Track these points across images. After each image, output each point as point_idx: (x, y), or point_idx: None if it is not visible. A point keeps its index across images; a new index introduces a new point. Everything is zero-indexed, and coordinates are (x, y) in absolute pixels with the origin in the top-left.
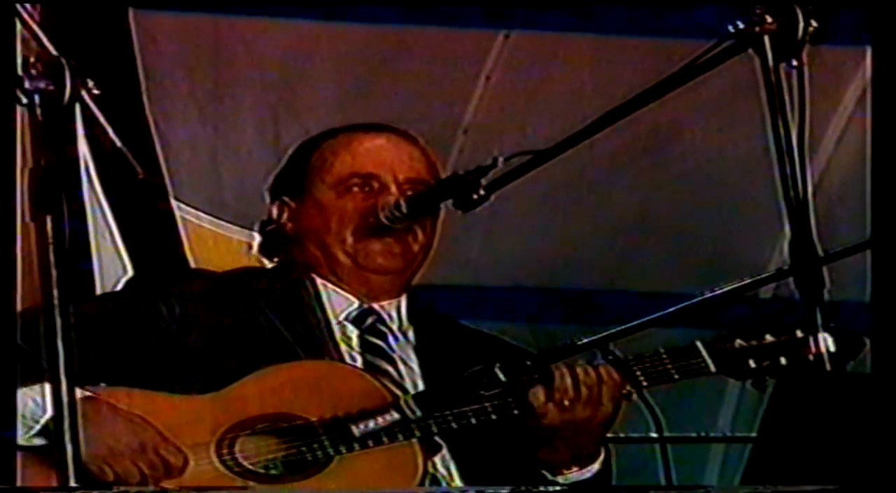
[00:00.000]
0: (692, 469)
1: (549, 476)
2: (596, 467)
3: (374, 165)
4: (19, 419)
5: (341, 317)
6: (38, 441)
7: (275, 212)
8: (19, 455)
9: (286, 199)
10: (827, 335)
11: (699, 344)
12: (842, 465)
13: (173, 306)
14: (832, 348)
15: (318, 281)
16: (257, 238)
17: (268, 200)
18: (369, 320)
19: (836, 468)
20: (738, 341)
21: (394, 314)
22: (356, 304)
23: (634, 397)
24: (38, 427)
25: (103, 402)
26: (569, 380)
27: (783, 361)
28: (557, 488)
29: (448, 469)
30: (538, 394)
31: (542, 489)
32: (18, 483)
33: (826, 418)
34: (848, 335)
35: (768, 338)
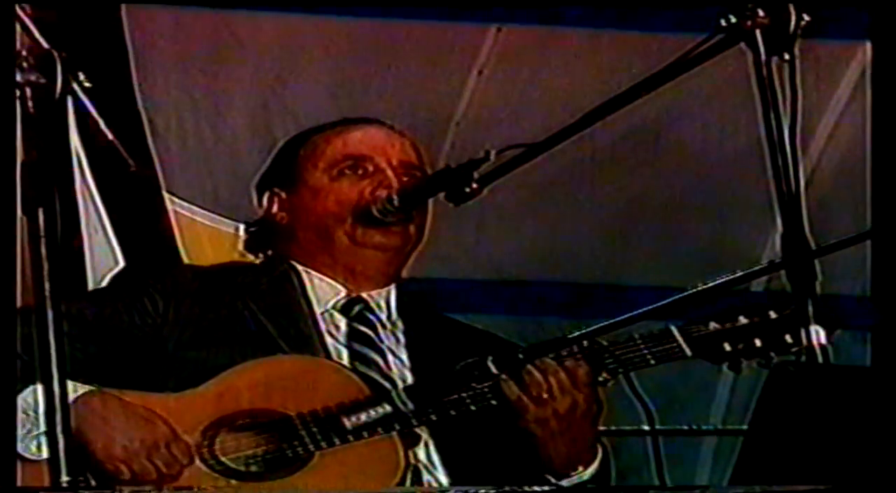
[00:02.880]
0: (684, 463)
1: (554, 481)
2: (595, 465)
3: (368, 149)
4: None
5: (328, 305)
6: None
7: (265, 204)
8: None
9: (276, 190)
10: (819, 328)
11: (673, 328)
12: (835, 461)
13: (157, 301)
14: (824, 341)
15: (304, 272)
16: (242, 236)
17: (255, 197)
18: (356, 309)
19: (829, 464)
20: (713, 324)
21: (382, 304)
22: (343, 292)
23: (628, 390)
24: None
25: (114, 398)
26: (537, 374)
27: (758, 343)
28: (546, 487)
29: (430, 459)
30: (512, 391)
31: (528, 489)
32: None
33: (819, 412)
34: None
35: (742, 320)
